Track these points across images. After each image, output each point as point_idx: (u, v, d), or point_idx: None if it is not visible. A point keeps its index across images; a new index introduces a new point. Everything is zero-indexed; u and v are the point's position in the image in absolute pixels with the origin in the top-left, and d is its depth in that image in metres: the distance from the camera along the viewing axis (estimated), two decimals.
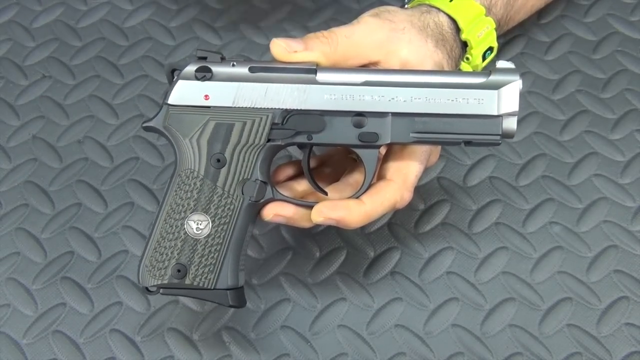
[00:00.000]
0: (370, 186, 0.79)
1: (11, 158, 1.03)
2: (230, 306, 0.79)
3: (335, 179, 0.85)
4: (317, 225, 0.81)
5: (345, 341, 0.89)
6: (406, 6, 0.92)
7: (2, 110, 1.07)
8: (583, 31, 1.09)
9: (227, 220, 0.78)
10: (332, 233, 0.95)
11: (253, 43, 1.11)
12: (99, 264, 0.95)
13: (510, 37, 1.07)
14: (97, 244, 0.96)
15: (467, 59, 0.91)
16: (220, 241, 0.78)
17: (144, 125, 0.79)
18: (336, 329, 0.90)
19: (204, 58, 0.79)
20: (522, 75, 0.78)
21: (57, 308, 0.93)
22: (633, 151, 0.99)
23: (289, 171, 0.86)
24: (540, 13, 1.08)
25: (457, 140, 0.78)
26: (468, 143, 0.78)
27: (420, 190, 0.82)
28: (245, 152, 0.78)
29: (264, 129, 0.78)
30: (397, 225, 0.96)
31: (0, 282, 0.94)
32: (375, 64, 0.82)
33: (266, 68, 0.78)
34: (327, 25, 1.09)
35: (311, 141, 0.78)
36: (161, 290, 0.78)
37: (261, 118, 0.78)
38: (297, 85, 0.77)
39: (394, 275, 0.93)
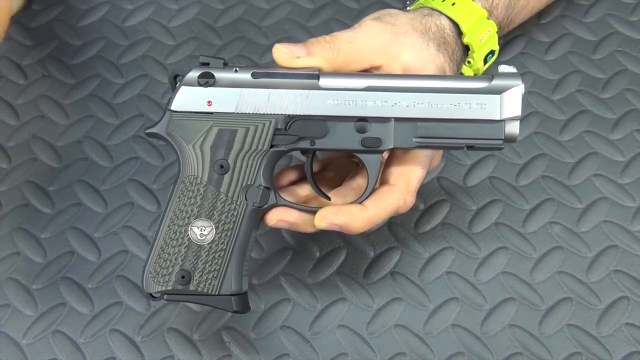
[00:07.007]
0: (373, 191, 0.80)
1: (11, 158, 1.03)
2: (235, 312, 0.79)
3: (337, 183, 0.85)
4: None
5: (345, 341, 0.90)
6: (408, 9, 0.92)
7: (2, 109, 1.07)
8: (583, 31, 1.09)
9: (231, 226, 0.78)
10: (332, 233, 0.94)
11: (253, 43, 1.10)
12: (99, 264, 0.95)
13: (510, 37, 1.07)
14: (97, 244, 0.96)
15: (469, 62, 0.91)
16: (224, 247, 0.78)
17: (147, 131, 0.79)
18: (336, 329, 0.90)
19: (207, 64, 0.79)
20: (522, 76, 0.78)
21: (57, 308, 0.93)
22: (633, 151, 0.99)
23: (291, 176, 0.86)
24: (540, 13, 1.08)
25: (459, 144, 0.78)
26: (471, 147, 0.78)
27: (420, 190, 0.82)
28: (249, 158, 0.78)
29: (267, 134, 0.78)
30: (397, 225, 0.96)
31: (0, 282, 0.94)
32: (377, 68, 0.82)
33: (269, 74, 0.78)
34: (327, 25, 1.10)
35: (314, 146, 0.78)
36: (165, 297, 0.78)
37: (264, 124, 0.78)
38: (299, 90, 0.78)
39: (394, 275, 0.93)
